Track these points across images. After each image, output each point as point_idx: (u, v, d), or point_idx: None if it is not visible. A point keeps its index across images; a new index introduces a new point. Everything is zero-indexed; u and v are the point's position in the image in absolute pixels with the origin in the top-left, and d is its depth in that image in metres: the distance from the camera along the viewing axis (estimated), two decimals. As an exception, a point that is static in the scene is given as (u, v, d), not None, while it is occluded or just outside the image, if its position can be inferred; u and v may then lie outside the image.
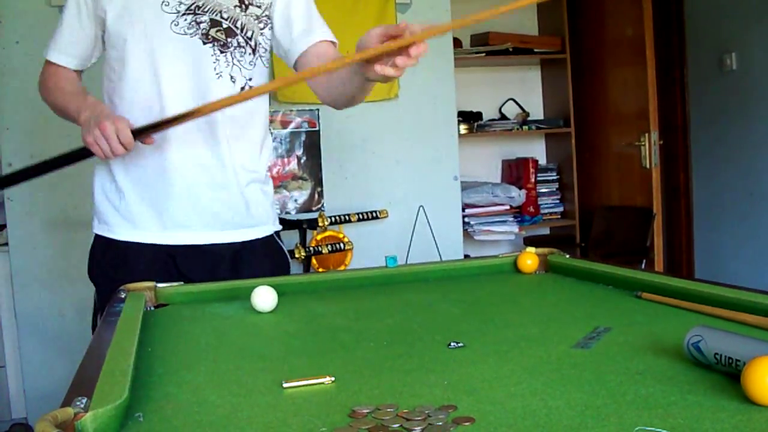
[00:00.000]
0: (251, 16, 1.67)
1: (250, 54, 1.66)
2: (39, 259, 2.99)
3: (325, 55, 1.66)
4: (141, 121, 1.54)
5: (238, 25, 1.65)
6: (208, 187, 1.66)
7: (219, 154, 1.65)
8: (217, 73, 1.63)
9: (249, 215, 1.72)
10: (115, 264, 1.67)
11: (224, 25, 1.64)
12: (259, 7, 1.68)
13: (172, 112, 1.55)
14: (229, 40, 1.64)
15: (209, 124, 1.63)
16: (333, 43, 1.70)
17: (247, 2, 1.66)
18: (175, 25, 1.60)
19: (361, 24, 3.37)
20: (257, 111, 1.72)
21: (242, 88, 1.65)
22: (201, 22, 1.61)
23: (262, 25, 1.68)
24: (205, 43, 1.62)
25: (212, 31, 1.62)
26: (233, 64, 1.64)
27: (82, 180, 3.00)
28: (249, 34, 1.66)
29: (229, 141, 1.66)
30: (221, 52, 1.63)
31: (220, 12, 1.63)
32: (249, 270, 1.68)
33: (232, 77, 1.64)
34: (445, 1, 3.50)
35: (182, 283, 1.55)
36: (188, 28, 1.61)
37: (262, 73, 1.71)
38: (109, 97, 1.68)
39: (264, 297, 1.35)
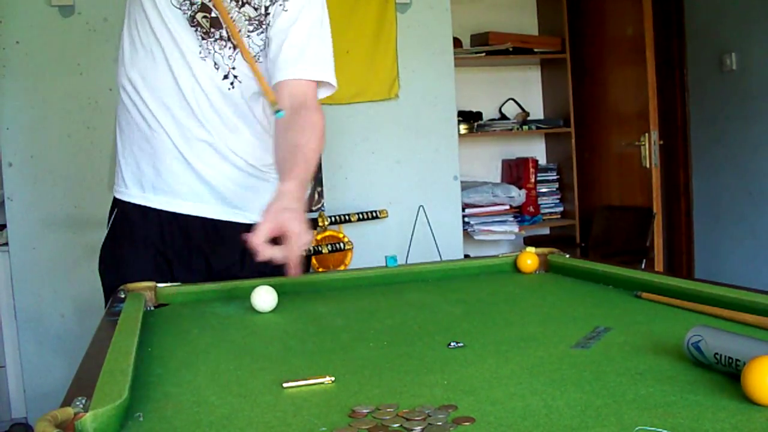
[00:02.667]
0: (244, 15, 1.63)
1: (230, 49, 1.63)
2: (39, 259, 2.99)
3: (298, 96, 1.58)
4: (159, 83, 1.61)
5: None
6: (212, 165, 1.67)
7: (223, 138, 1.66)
8: (201, 57, 1.61)
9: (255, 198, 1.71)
10: (130, 224, 1.70)
11: (212, 14, 1.61)
12: (256, 9, 1.63)
13: (182, 81, 1.61)
14: (212, 30, 1.62)
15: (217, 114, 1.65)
16: (318, 81, 1.63)
17: (244, 0, 1.63)
18: None
19: (361, 24, 3.37)
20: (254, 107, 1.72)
21: (225, 77, 1.64)
22: (194, 3, 1.60)
23: (251, 28, 1.64)
24: (191, 25, 1.61)
25: (198, 16, 1.60)
26: (215, 51, 1.62)
27: (82, 180, 3.02)
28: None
29: (233, 128, 1.67)
30: (203, 38, 1.61)
31: None
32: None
33: (215, 63, 1.62)
34: (445, 0, 3.50)
35: (180, 283, 1.55)
36: (182, 4, 1.60)
37: (245, 67, 1.65)
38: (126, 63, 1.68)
39: (264, 297, 1.35)
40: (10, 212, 2.98)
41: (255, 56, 1.65)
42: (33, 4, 2.93)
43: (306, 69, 1.61)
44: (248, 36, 1.64)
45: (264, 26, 1.65)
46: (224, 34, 1.63)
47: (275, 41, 1.62)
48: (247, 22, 1.64)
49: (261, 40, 1.65)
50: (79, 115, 3.01)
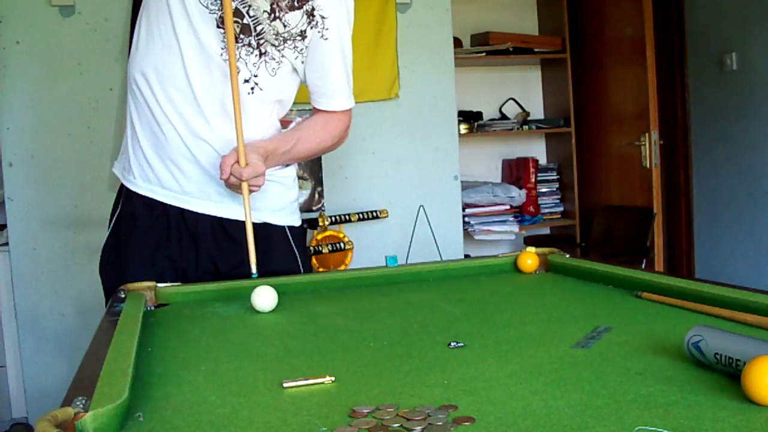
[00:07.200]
0: (273, 28, 1.64)
1: (256, 56, 1.65)
2: (39, 259, 2.99)
3: (326, 123, 1.77)
4: (171, 80, 1.62)
5: (258, 28, 1.63)
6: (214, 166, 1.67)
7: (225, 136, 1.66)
8: (223, 59, 1.61)
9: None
10: (134, 223, 1.70)
11: (244, 20, 1.62)
12: (285, 26, 1.65)
13: (194, 79, 1.61)
14: (241, 36, 1.62)
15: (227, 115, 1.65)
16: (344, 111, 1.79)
17: (277, 14, 1.64)
18: None
19: (361, 24, 3.36)
20: (268, 113, 1.74)
21: (246, 81, 1.64)
22: None
23: (277, 43, 1.66)
24: (218, 27, 1.61)
25: None
26: (240, 57, 1.63)
27: (82, 180, 3.02)
28: (262, 41, 1.64)
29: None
30: None
31: (249, 6, 1.62)
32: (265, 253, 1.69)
33: (237, 68, 1.62)
34: (446, 0, 3.50)
35: (181, 283, 1.55)
36: (212, 4, 1.60)
37: (267, 77, 1.68)
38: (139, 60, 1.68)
39: (264, 297, 1.35)
40: (10, 212, 2.98)
41: (272, 70, 1.67)
42: (33, 4, 2.93)
43: (345, 101, 1.78)
44: (273, 45, 1.65)
45: (293, 47, 1.67)
46: (253, 42, 1.64)
47: (316, 71, 1.72)
48: (273, 36, 1.65)
49: (282, 55, 1.67)
50: (79, 115, 3.01)
